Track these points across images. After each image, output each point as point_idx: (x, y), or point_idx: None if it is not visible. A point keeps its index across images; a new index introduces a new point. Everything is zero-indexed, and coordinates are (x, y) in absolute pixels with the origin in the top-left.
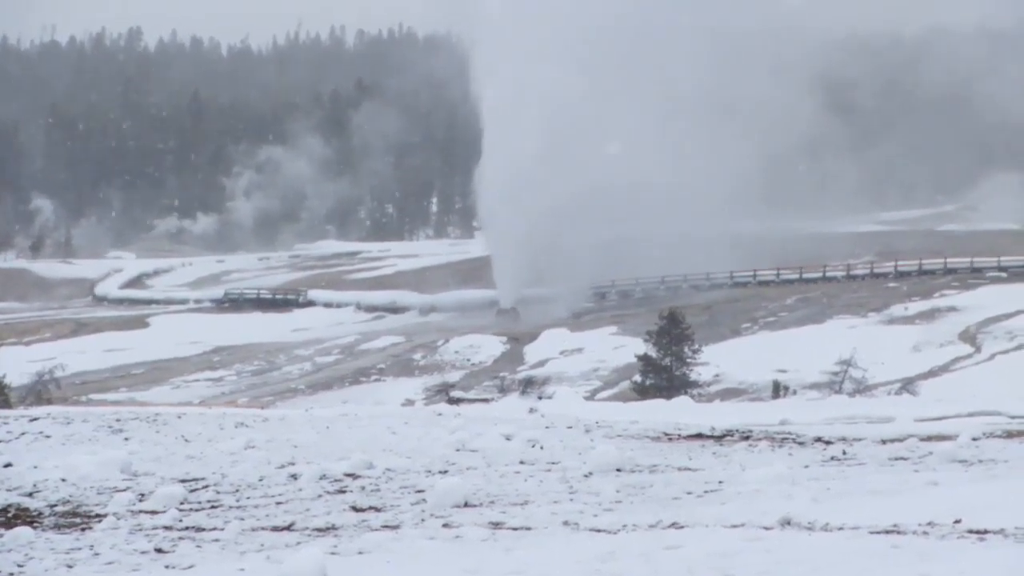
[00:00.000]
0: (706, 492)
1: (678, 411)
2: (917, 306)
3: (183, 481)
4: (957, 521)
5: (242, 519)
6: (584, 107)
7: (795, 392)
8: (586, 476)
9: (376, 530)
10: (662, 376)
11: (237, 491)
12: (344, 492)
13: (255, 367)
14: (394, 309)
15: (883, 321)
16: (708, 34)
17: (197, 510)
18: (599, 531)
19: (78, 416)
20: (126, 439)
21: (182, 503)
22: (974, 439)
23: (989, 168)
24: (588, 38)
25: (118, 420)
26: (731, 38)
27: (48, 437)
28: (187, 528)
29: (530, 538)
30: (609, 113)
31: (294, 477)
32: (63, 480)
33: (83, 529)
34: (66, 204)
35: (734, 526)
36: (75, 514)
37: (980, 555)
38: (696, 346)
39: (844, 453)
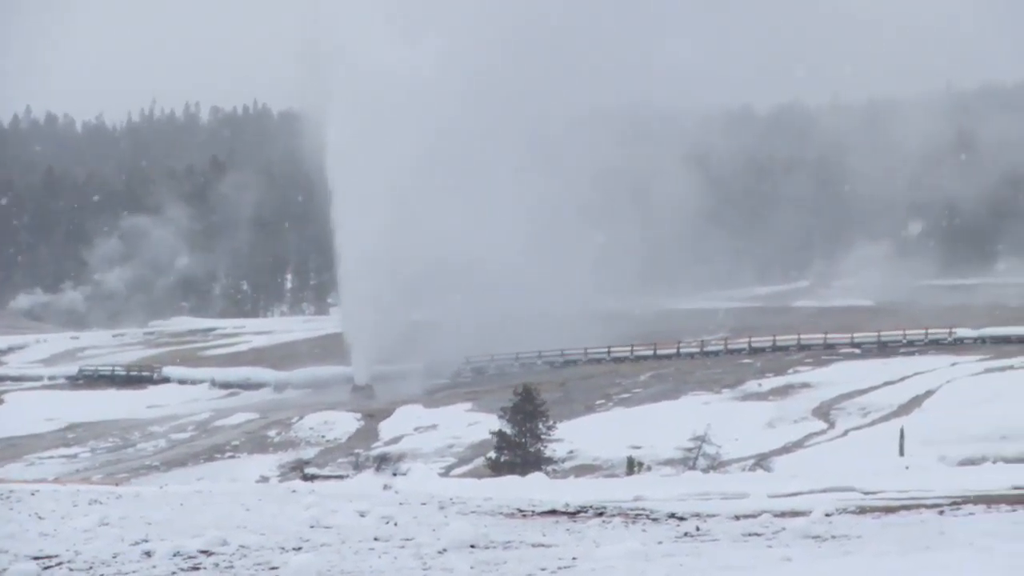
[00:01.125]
0: (560, 568)
1: (533, 488)
2: (771, 382)
3: (36, 559)
4: None
5: None
6: (438, 180)
7: (649, 468)
8: (440, 552)
9: None
10: (516, 452)
11: (91, 568)
12: (198, 569)
13: (110, 444)
14: (249, 386)
15: (737, 397)
16: (572, 106)
17: None
18: None
19: None
20: None
21: None
22: (827, 515)
23: (843, 244)
24: (445, 107)
25: None
26: (596, 112)
27: None
28: None
29: None
30: (465, 185)
31: (148, 554)
32: None
33: None
34: None
35: None
36: None
37: None
38: (550, 422)
39: (698, 529)
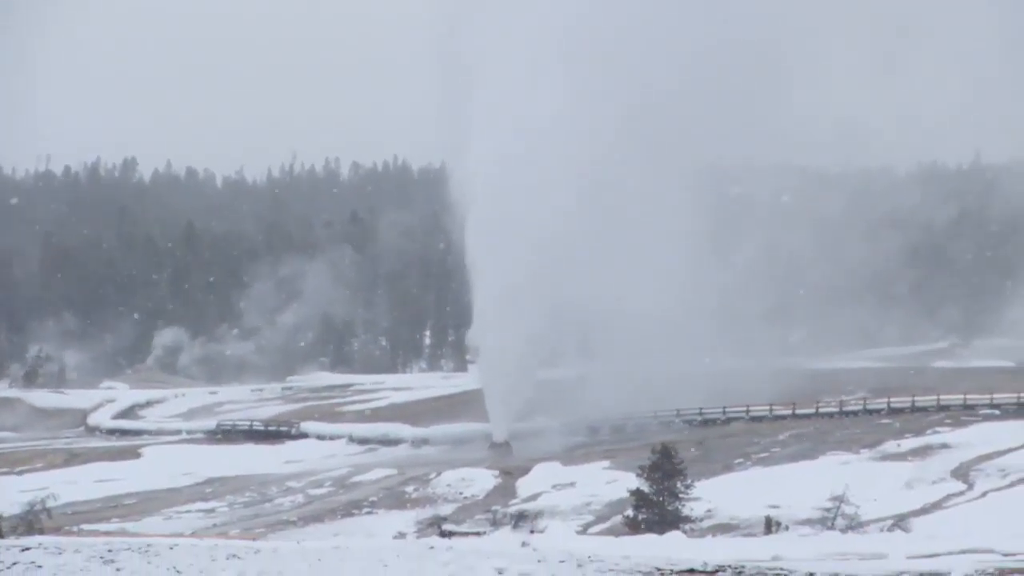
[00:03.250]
0: None
1: (670, 546)
2: (910, 443)
3: None
4: None
5: None
6: (583, 235)
7: (787, 528)
8: None
9: None
10: (654, 511)
11: None
12: None
13: (247, 498)
14: (387, 442)
15: (876, 457)
16: (703, 166)
17: None
18: None
19: (70, 546)
20: (118, 569)
21: None
22: None
23: (982, 305)
24: (596, 151)
25: (110, 550)
26: (729, 170)
27: (40, 567)
28: None
29: None
30: (604, 240)
31: None
32: None
33: None
34: (59, 334)
35: None
36: None
37: None
38: (688, 481)
39: None
